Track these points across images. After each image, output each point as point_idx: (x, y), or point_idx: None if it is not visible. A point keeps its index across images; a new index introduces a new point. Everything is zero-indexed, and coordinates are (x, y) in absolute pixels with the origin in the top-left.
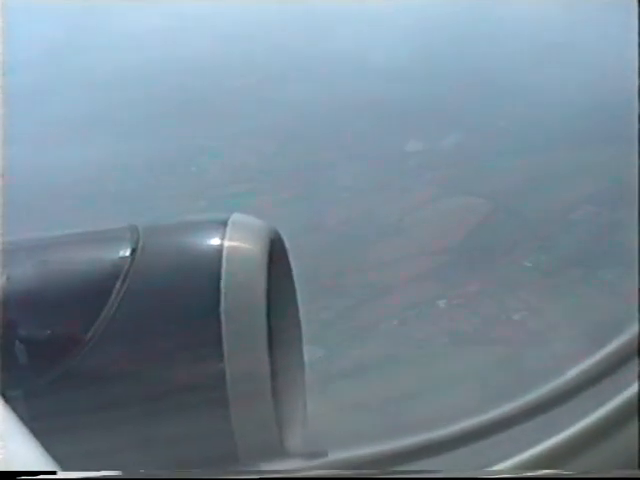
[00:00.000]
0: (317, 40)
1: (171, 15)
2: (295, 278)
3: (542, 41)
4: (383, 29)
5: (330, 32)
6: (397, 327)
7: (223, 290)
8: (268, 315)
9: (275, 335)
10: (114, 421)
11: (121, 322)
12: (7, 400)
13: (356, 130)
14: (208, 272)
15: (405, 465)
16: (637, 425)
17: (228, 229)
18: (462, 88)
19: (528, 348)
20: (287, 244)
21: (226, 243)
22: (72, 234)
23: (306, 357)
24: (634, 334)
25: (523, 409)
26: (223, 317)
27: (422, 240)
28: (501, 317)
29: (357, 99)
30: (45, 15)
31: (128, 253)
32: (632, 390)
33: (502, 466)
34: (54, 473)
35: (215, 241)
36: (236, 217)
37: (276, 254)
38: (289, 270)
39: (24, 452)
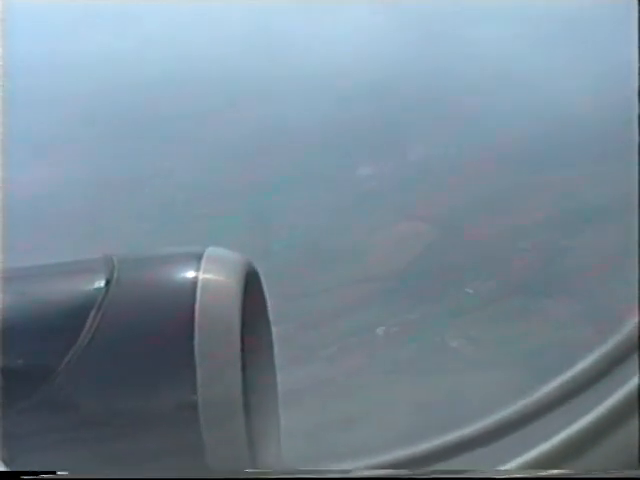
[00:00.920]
0: (274, 62)
1: (133, 33)
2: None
3: (498, 65)
4: (342, 49)
5: (287, 53)
6: (335, 354)
7: (197, 323)
8: (242, 348)
9: (249, 370)
10: (85, 448)
11: (94, 352)
12: None
13: (311, 151)
14: (182, 305)
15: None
16: (637, 423)
17: (203, 262)
18: (417, 109)
19: (462, 376)
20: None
21: (201, 276)
22: (47, 265)
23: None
24: (631, 332)
25: (526, 411)
26: (197, 350)
27: (369, 266)
28: (438, 345)
29: (314, 120)
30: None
31: (103, 284)
32: (632, 385)
33: (505, 467)
34: (55, 473)
35: (190, 274)
36: (211, 250)
37: (251, 287)
38: (264, 303)
39: None
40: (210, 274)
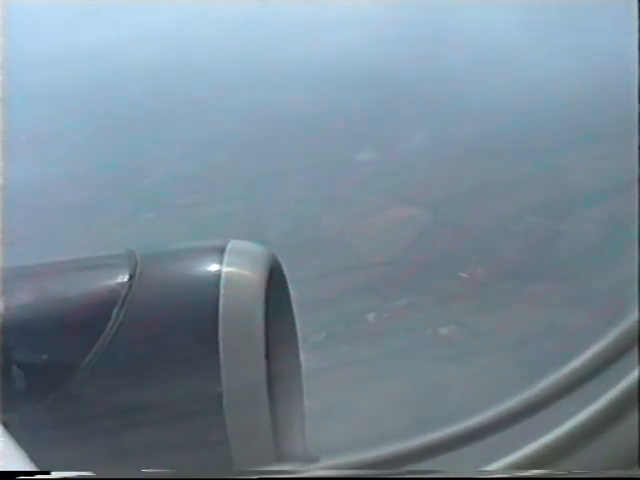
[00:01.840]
0: (269, 48)
1: (123, 26)
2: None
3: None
4: (335, 38)
5: (282, 40)
6: (324, 340)
7: (221, 317)
8: (267, 342)
9: (273, 362)
10: (110, 443)
11: (119, 348)
12: (5, 425)
13: (308, 139)
14: (206, 299)
15: (405, 466)
16: (637, 421)
17: (226, 255)
18: (415, 96)
19: (451, 363)
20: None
21: (224, 270)
22: (70, 261)
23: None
24: (633, 323)
25: (524, 405)
26: (221, 344)
27: (361, 252)
28: (428, 331)
29: (310, 107)
30: None
31: (126, 279)
32: (631, 380)
33: (501, 464)
34: (49, 473)
35: (213, 268)
36: (234, 243)
37: (274, 280)
38: (287, 296)
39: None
40: (233, 267)
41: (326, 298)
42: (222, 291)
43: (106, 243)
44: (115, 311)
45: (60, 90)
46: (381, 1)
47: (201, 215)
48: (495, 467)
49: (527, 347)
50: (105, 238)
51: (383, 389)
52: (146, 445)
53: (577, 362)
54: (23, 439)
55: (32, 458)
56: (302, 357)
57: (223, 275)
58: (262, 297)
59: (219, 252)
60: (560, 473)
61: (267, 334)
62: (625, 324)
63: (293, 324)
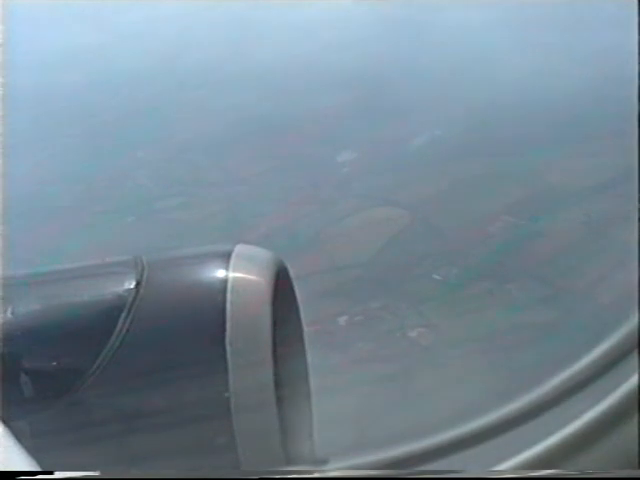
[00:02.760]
0: (250, 49)
1: (105, 28)
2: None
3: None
4: (317, 38)
5: (264, 41)
6: None
7: (228, 322)
8: (274, 346)
9: (280, 367)
10: (117, 448)
11: (127, 354)
12: (13, 431)
13: (289, 140)
14: (213, 304)
15: (412, 467)
16: (637, 421)
17: (232, 260)
18: (395, 96)
19: (417, 366)
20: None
21: (231, 274)
22: (77, 267)
23: None
24: (632, 328)
25: (528, 407)
26: (229, 349)
27: (337, 254)
28: (397, 334)
29: (291, 108)
30: None
31: (133, 285)
32: (631, 384)
33: (505, 466)
34: (52, 473)
35: (220, 273)
36: (240, 248)
37: (281, 284)
38: (294, 299)
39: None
40: (240, 272)
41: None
42: (229, 296)
43: (86, 247)
44: (122, 317)
45: (44, 92)
46: (362, 1)
47: (182, 217)
48: (500, 468)
49: (496, 349)
50: (86, 241)
51: (343, 394)
52: (155, 449)
53: (580, 364)
54: (33, 445)
55: (42, 464)
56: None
57: (230, 280)
58: (269, 301)
59: (226, 257)
60: (560, 473)
61: (274, 338)
62: (626, 327)
63: (300, 328)
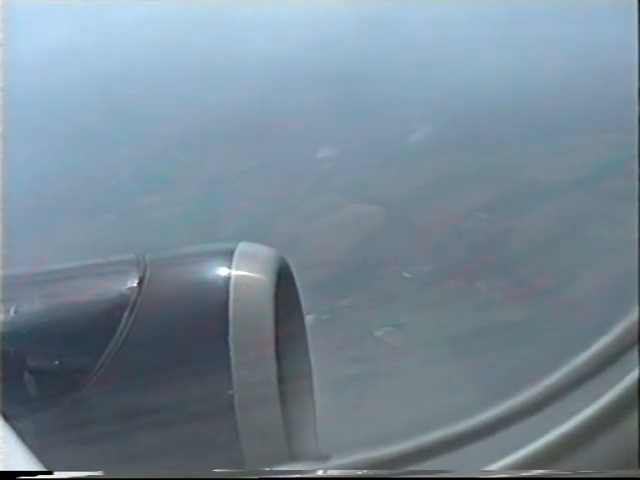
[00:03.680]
0: (228, 46)
1: (86, 27)
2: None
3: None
4: (294, 36)
5: (242, 38)
6: None
7: (231, 319)
8: (276, 343)
9: (284, 365)
10: (120, 446)
11: (129, 352)
12: (16, 430)
13: (270, 136)
14: (216, 302)
15: (411, 466)
16: (637, 421)
17: (235, 258)
18: (372, 93)
19: (383, 367)
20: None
21: (233, 273)
22: (80, 265)
23: None
24: (633, 322)
25: (526, 403)
26: (232, 346)
27: (310, 252)
28: (363, 333)
29: (271, 105)
30: None
31: (135, 284)
32: (629, 381)
33: (502, 464)
34: (52, 473)
35: (222, 271)
36: (243, 246)
37: (283, 282)
38: (297, 298)
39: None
40: (242, 270)
41: None
42: (232, 294)
43: (67, 245)
44: (125, 315)
45: (23, 92)
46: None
47: (160, 215)
48: (496, 467)
49: (459, 345)
50: (66, 239)
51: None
52: (159, 447)
53: (578, 361)
54: (37, 444)
55: (46, 463)
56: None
57: (232, 278)
58: (271, 299)
59: (228, 255)
60: (560, 473)
61: (277, 335)
62: (625, 323)
63: (303, 325)
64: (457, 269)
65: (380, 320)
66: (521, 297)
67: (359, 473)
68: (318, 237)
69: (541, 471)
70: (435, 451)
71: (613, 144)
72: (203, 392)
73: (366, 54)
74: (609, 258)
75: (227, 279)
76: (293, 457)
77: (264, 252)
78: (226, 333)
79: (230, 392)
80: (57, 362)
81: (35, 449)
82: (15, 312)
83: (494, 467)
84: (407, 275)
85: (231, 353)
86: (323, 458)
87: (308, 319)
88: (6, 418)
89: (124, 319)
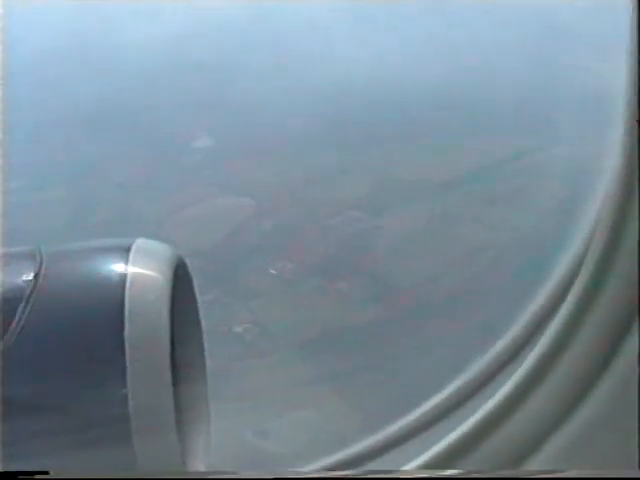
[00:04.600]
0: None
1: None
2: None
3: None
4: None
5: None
6: None
7: (127, 317)
8: (172, 342)
9: (179, 363)
10: (8, 448)
11: (22, 347)
12: None
13: (143, 122)
14: (112, 298)
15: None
16: (637, 423)
17: (132, 254)
18: (254, 81)
19: (241, 362)
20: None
21: (130, 269)
22: None
23: None
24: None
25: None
26: (127, 344)
27: (176, 243)
28: (223, 329)
29: (152, 89)
30: None
31: (31, 277)
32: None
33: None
34: (47, 473)
35: (119, 267)
36: (140, 242)
37: (180, 280)
38: (193, 296)
39: None
40: (139, 267)
41: None
42: (127, 290)
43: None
44: (20, 309)
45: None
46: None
47: (23, 201)
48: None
49: (313, 343)
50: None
51: None
52: (50, 446)
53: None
54: None
55: None
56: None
57: (128, 274)
58: (167, 296)
59: (125, 251)
60: (561, 473)
61: (172, 333)
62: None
63: (199, 324)
64: (321, 267)
65: (242, 317)
66: (381, 298)
67: (354, 473)
68: (185, 229)
69: (540, 471)
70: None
71: (497, 146)
72: (97, 389)
73: (242, 49)
74: (472, 260)
75: (123, 275)
76: (185, 458)
77: (161, 249)
78: (121, 330)
79: (124, 390)
80: None
81: None
82: None
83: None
84: (272, 272)
85: (126, 350)
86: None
87: None
88: None
89: (18, 313)
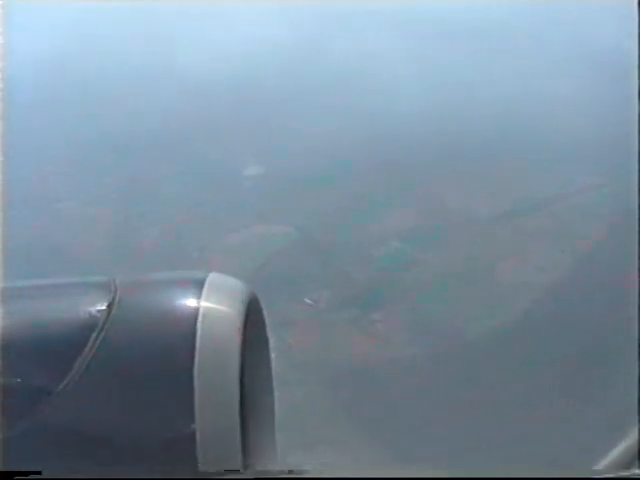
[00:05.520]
0: (145, 61)
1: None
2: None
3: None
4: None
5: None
6: None
7: (197, 351)
8: (241, 378)
9: (248, 398)
10: (80, 472)
11: (94, 376)
12: None
13: (194, 148)
14: (183, 332)
15: None
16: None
17: (205, 289)
18: (299, 112)
19: None
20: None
21: (202, 303)
22: (49, 284)
23: None
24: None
25: None
26: (196, 378)
27: (216, 270)
28: None
29: (197, 116)
30: None
31: (104, 306)
32: None
33: None
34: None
35: (192, 301)
36: (213, 276)
37: (252, 316)
38: (264, 332)
39: None
40: (212, 302)
41: None
42: (199, 325)
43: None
44: (92, 338)
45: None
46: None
47: (76, 215)
48: None
49: (342, 380)
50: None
51: None
52: (117, 474)
53: None
54: None
55: None
56: None
57: (201, 308)
58: (239, 332)
59: (198, 285)
60: (561, 473)
61: (242, 369)
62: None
63: (268, 361)
64: (354, 297)
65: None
66: (414, 332)
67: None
68: (224, 256)
69: (540, 471)
70: None
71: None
72: (165, 423)
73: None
74: (510, 300)
75: (196, 309)
76: None
77: (234, 284)
78: (191, 366)
79: (192, 426)
80: (19, 381)
81: None
82: None
83: None
84: (307, 301)
85: (195, 385)
86: None
87: None
88: None
89: (90, 342)
